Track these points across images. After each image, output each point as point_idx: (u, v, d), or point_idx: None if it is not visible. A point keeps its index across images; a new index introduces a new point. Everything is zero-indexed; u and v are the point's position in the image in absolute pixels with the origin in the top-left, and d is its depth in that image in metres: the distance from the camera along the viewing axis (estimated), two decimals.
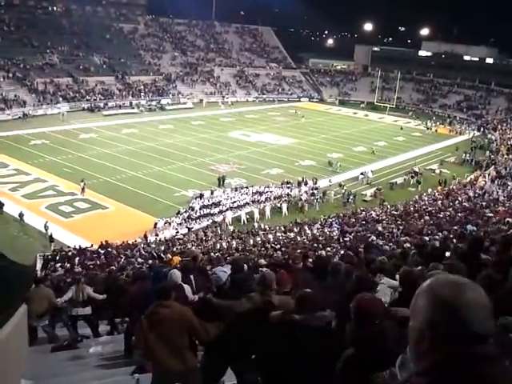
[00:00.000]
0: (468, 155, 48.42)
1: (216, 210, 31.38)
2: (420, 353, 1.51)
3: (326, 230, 25.40)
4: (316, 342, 3.65)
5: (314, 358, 3.58)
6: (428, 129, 62.62)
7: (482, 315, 1.47)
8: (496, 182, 37.37)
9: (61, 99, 60.49)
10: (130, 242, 25.35)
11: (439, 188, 37.01)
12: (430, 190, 36.12)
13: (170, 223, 29.20)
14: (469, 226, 16.78)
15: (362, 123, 65.71)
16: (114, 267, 16.99)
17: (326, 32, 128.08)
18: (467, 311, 1.45)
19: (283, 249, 17.08)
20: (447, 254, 7.53)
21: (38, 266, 20.42)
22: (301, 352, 3.63)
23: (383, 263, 6.25)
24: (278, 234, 25.56)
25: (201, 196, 32.68)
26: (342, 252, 13.02)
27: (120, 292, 10.35)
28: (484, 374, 1.43)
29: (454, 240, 12.18)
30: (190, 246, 23.76)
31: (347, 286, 5.19)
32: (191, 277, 7.40)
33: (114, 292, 10.70)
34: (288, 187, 35.52)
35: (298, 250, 16.13)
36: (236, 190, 34.30)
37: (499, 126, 61.48)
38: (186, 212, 30.55)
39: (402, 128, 63.13)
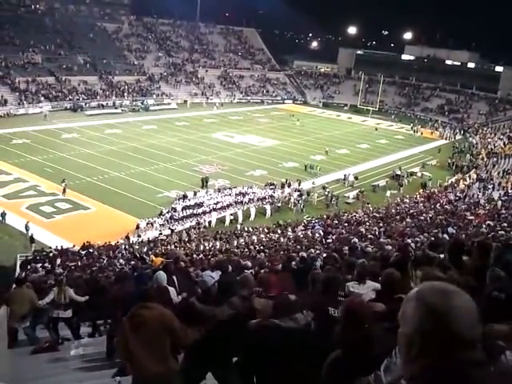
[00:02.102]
0: (452, 159, 48.96)
1: (199, 211, 31.31)
2: (410, 358, 1.55)
3: (309, 232, 25.47)
4: (294, 343, 3.68)
5: (294, 360, 3.60)
6: (415, 132, 63.36)
7: (470, 321, 1.52)
8: (477, 185, 37.87)
9: (43, 98, 59.88)
10: (112, 243, 25.15)
11: (421, 191, 37.36)
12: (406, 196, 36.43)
13: (152, 224, 29.07)
14: (449, 229, 16.99)
15: (345, 126, 66.18)
16: (95, 268, 16.89)
17: (311, 35, 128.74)
18: (455, 317, 1.49)
19: (266, 250, 17.09)
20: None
21: (19, 267, 20.18)
22: (280, 355, 3.64)
23: (364, 267, 6.27)
24: (262, 236, 25.58)
25: (184, 197, 32.57)
26: (325, 254, 13.08)
27: (102, 293, 10.28)
28: (472, 379, 1.48)
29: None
30: (172, 247, 23.69)
31: (317, 286, 5.20)
32: (174, 278, 7.39)
33: (97, 293, 10.63)
34: (271, 189, 35.59)
35: (281, 252, 16.19)
36: (219, 191, 34.27)
37: (480, 130, 62.37)
38: (168, 213, 30.43)
39: (376, 129, 64.22)
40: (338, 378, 3.04)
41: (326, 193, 36.19)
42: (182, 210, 31.02)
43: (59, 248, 23.91)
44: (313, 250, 14.13)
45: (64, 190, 32.53)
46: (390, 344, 3.00)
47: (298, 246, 18.13)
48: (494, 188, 35.79)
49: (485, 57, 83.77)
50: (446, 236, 14.76)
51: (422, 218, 24.18)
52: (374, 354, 2.95)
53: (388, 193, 37.00)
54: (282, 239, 23.90)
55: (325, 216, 30.53)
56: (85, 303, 10.86)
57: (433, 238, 14.29)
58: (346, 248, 13.51)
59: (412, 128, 64.53)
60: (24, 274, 16.51)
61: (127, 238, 26.91)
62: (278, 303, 4.06)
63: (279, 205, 34.15)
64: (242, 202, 33.16)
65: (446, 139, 61.15)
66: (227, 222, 31.33)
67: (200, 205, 31.85)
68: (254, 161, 44.06)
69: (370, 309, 3.52)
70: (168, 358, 4.84)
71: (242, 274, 6.12)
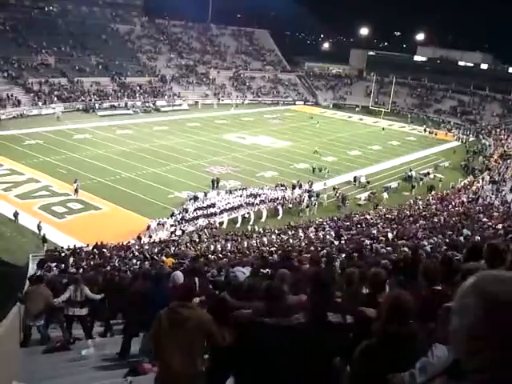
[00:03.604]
0: (468, 161, 48.52)
1: (210, 212, 31.29)
2: (474, 351, 1.47)
3: (320, 234, 25.35)
4: (288, 340, 3.61)
5: (288, 357, 3.54)
6: (430, 133, 63.08)
7: None
8: (490, 187, 37.51)
9: (56, 99, 60.26)
10: (124, 243, 25.21)
11: (431, 194, 37.09)
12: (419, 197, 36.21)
13: (163, 225, 29.09)
14: (464, 231, 16.80)
15: (356, 127, 65.90)
16: (109, 268, 16.89)
17: (322, 36, 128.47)
18: None
19: (279, 251, 16.98)
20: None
21: (31, 266, 20.27)
22: (273, 352, 3.57)
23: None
24: (273, 237, 25.49)
25: (195, 198, 32.58)
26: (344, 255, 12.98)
27: (119, 292, 10.25)
28: None
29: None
30: (184, 248, 23.69)
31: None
32: (196, 279, 7.31)
33: (113, 292, 10.59)
34: (282, 190, 35.49)
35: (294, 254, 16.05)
36: (230, 193, 34.23)
37: (493, 132, 61.85)
38: (179, 214, 30.45)
39: (383, 129, 64.12)
40: (371, 368, 3.02)
41: (337, 194, 36.03)
42: (194, 211, 31.03)
43: (73, 247, 24.01)
44: (325, 252, 14.01)
45: (76, 191, 32.66)
46: (426, 344, 2.98)
47: (312, 248, 18.03)
48: (507, 190, 35.39)
49: (498, 58, 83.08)
50: (461, 238, 14.59)
51: (436, 220, 23.97)
52: (414, 352, 2.94)
53: (385, 194, 36.74)
54: (290, 240, 23.83)
55: (336, 218, 30.42)
56: (100, 301, 10.85)
57: (447, 240, 14.14)
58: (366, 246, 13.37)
59: (425, 129, 64.21)
60: (40, 272, 16.60)
61: (139, 238, 26.96)
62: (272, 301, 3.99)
63: (290, 206, 34.04)
64: (252, 203, 33.10)
65: (460, 141, 60.66)
66: (239, 223, 31.28)
67: (211, 206, 31.85)
68: (266, 162, 43.99)
69: (415, 305, 3.42)
70: (198, 358, 4.80)
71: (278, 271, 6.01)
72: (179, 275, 7.07)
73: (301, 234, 25.92)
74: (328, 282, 4.52)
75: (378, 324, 3.22)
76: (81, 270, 16.92)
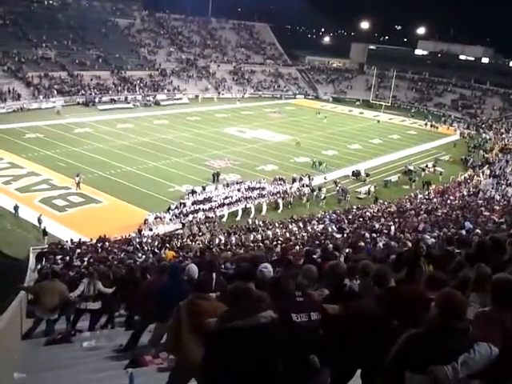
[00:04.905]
0: (470, 156, 48.42)
1: (207, 206, 31.18)
2: None
3: (320, 227, 25.35)
4: (259, 340, 3.60)
5: (262, 356, 3.54)
6: (432, 127, 63.09)
7: None
8: (490, 180, 37.49)
9: (56, 93, 60.12)
10: (126, 237, 25.20)
11: (434, 186, 37.08)
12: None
13: (161, 218, 28.95)
14: (467, 224, 16.78)
15: (357, 121, 65.81)
16: (116, 262, 16.86)
17: (323, 29, 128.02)
18: None
19: (283, 245, 16.98)
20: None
21: (31, 259, 20.27)
22: (246, 353, 3.56)
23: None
24: (277, 231, 25.47)
25: (193, 192, 32.49)
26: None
27: (133, 285, 10.23)
28: None
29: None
30: (188, 242, 23.70)
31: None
32: (213, 274, 7.26)
33: (127, 285, 10.57)
34: (280, 184, 35.41)
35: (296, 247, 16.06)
36: (227, 186, 34.15)
37: (494, 126, 61.76)
38: (176, 208, 30.29)
39: (378, 121, 64.39)
40: (413, 357, 3.06)
41: (338, 188, 35.99)
42: (192, 204, 30.92)
43: (77, 241, 23.99)
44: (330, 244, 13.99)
45: (78, 184, 32.59)
46: (469, 341, 3.03)
47: (317, 242, 18.03)
48: (507, 184, 35.36)
49: (499, 52, 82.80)
50: (463, 232, 14.56)
51: (439, 213, 23.94)
52: (459, 347, 3.00)
53: (372, 187, 36.72)
54: (292, 234, 23.82)
55: (337, 211, 30.41)
56: (112, 295, 10.88)
57: (449, 234, 14.11)
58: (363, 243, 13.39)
59: (426, 123, 64.09)
60: (43, 265, 16.62)
61: (139, 231, 26.92)
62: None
63: (290, 200, 33.99)
64: (251, 196, 33.01)
65: (460, 135, 60.52)
66: (239, 217, 31.25)
67: (209, 200, 31.75)
68: (266, 156, 43.94)
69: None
70: None
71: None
72: (194, 268, 7.05)
73: (309, 227, 25.91)
74: (287, 287, 4.51)
75: (431, 316, 3.26)
76: (85, 263, 16.91)
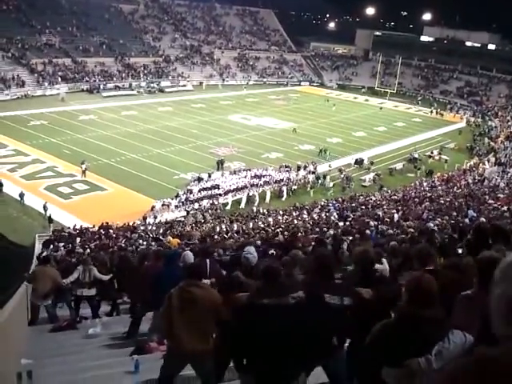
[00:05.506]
0: (475, 144, 48.20)
1: (214, 193, 31.29)
2: None
3: (322, 215, 25.34)
4: (285, 320, 3.66)
5: (286, 336, 3.59)
6: (437, 113, 62.81)
7: None
8: (495, 168, 37.32)
9: (60, 80, 60.04)
10: (129, 224, 25.30)
11: (438, 174, 36.99)
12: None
13: (168, 206, 29.12)
14: (470, 212, 16.76)
15: (362, 108, 65.48)
16: (116, 248, 16.95)
17: (328, 15, 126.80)
18: None
19: (285, 232, 17.00)
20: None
21: (37, 246, 20.40)
22: (272, 331, 3.62)
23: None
24: (279, 218, 25.49)
25: (199, 179, 32.58)
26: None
27: (129, 272, 10.26)
28: None
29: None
30: (189, 229, 23.75)
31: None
32: (207, 261, 7.29)
33: (124, 272, 10.62)
34: (286, 171, 35.42)
35: (299, 234, 16.07)
36: (234, 174, 34.20)
37: (500, 113, 61.32)
38: (184, 195, 30.47)
39: (381, 108, 64.12)
40: (386, 348, 2.97)
41: (342, 176, 35.96)
42: (198, 191, 31.04)
43: (79, 228, 24.11)
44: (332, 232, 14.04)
45: (84, 172, 32.64)
46: (444, 329, 2.94)
47: (317, 229, 18.06)
48: None
49: (506, 38, 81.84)
50: (466, 220, 14.56)
51: (442, 201, 23.90)
52: (433, 337, 2.90)
53: (375, 175, 36.73)
54: (295, 221, 23.82)
55: (340, 199, 30.41)
56: (108, 282, 10.94)
57: (453, 221, 14.12)
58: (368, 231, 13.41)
59: (432, 111, 63.70)
60: (48, 252, 16.69)
61: (144, 218, 27.04)
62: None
63: (295, 187, 34.00)
64: (257, 184, 33.07)
65: (467, 123, 60.14)
66: (243, 204, 31.31)
67: (216, 187, 31.85)
68: (270, 143, 43.86)
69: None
70: (208, 337, 4.85)
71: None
72: (190, 255, 7.12)
73: (305, 214, 25.93)
74: (329, 264, 4.54)
75: (401, 304, 3.15)
76: (87, 250, 17.01)
